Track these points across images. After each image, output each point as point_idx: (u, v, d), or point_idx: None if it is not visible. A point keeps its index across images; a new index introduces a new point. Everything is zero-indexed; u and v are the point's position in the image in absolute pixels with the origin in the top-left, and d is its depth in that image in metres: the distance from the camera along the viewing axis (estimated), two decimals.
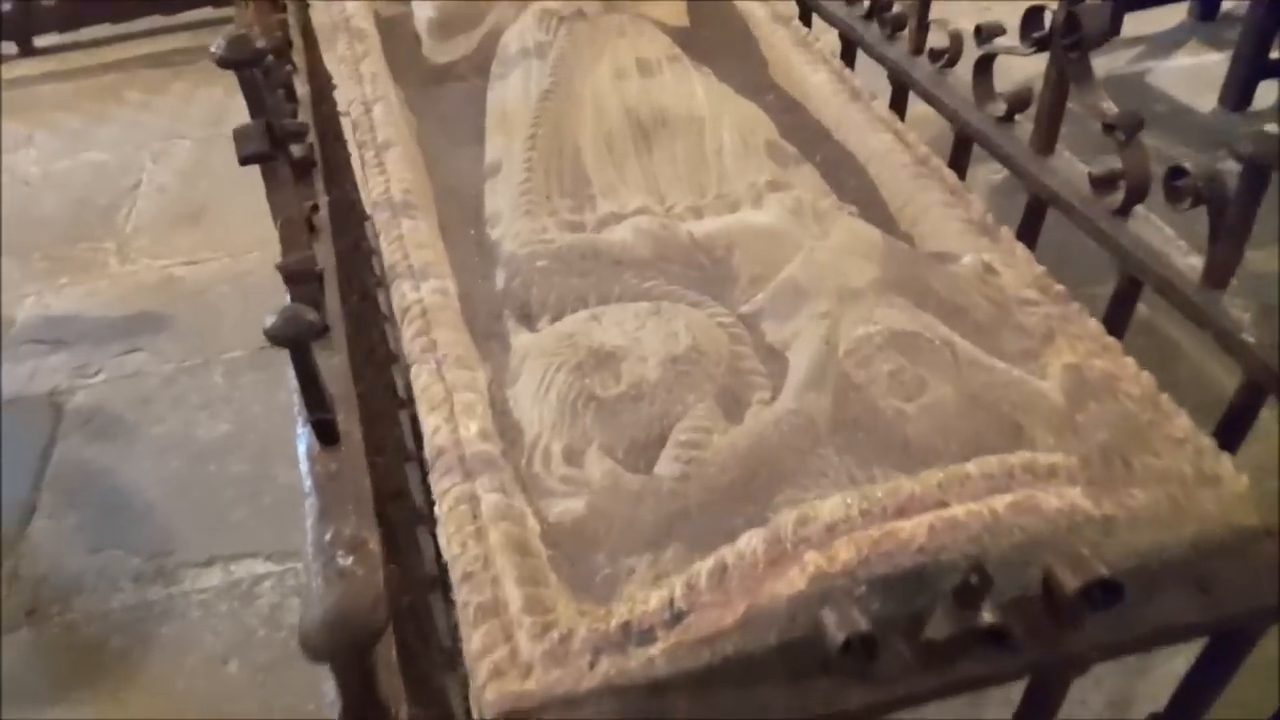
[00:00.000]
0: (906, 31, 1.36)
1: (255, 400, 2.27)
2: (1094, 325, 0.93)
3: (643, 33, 1.39)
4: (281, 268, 0.85)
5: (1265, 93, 3.07)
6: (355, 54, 1.43)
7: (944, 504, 0.66)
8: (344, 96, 1.34)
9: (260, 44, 0.88)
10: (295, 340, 0.74)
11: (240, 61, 0.87)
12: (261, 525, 1.98)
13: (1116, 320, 1.04)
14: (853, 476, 0.77)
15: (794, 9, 1.56)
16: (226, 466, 2.11)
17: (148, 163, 3.22)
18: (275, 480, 2.07)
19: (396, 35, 1.61)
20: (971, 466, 0.70)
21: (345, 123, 1.41)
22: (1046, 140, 1.12)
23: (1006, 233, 1.05)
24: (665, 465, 0.77)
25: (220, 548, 1.92)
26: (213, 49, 0.88)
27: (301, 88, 1.30)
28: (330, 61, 1.56)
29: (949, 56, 1.28)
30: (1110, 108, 1.00)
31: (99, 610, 1.82)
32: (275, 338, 0.73)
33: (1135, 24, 3.44)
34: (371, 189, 1.14)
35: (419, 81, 1.51)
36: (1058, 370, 0.85)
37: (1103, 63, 3.31)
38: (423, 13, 1.53)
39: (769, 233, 0.97)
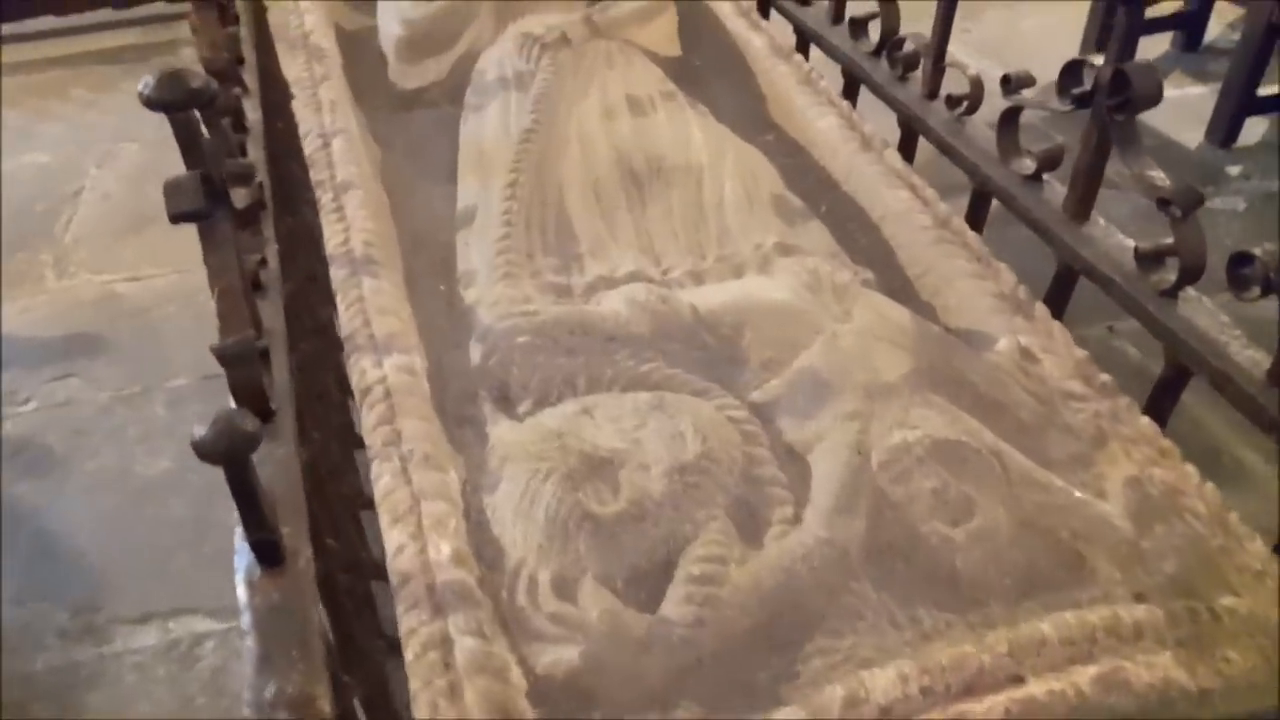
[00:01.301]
0: (920, 73, 1.25)
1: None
2: (1147, 425, 0.83)
3: (633, 64, 1.27)
4: (218, 351, 0.72)
5: (1251, 129, 3.04)
6: (314, 76, 1.29)
7: (1018, 679, 0.55)
8: (302, 126, 1.21)
9: (197, 83, 0.74)
10: (230, 455, 0.61)
11: (172, 104, 0.74)
12: (203, 576, 1.82)
13: (1159, 410, 0.94)
14: (893, 618, 0.66)
15: (795, 41, 1.45)
16: (166, 508, 1.94)
17: (92, 167, 3.02)
18: (219, 525, 1.90)
19: (360, 52, 1.47)
20: (1047, 628, 0.59)
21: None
22: (1081, 205, 1.01)
23: (1042, 310, 0.95)
24: (675, 605, 0.65)
25: (157, 601, 1.76)
26: (141, 88, 0.74)
27: (252, 114, 1.16)
28: (289, 76, 1.43)
29: (969, 104, 1.18)
30: (1160, 178, 0.90)
31: (20, 672, 1.66)
32: (207, 454, 0.60)
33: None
34: (329, 238, 1.00)
35: (385, 106, 1.38)
36: (1118, 486, 0.74)
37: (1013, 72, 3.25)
38: (390, 31, 1.40)
39: (783, 311, 0.85)
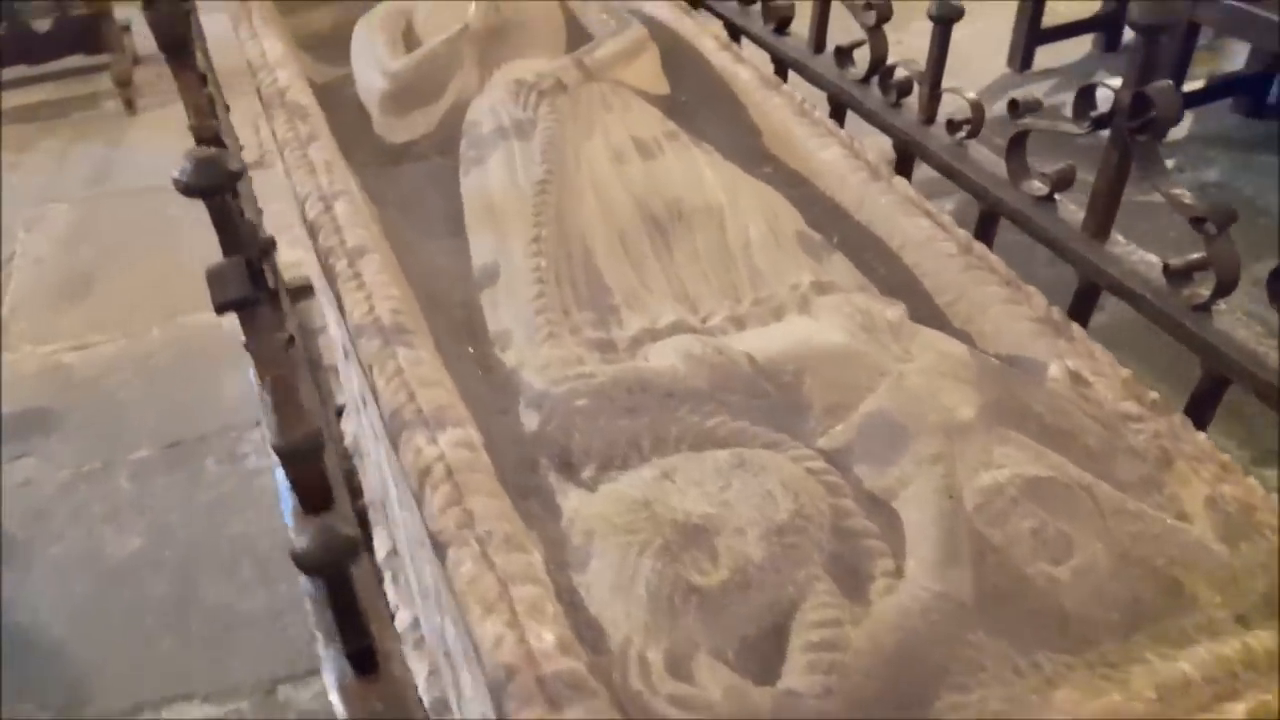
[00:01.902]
0: (915, 99, 1.27)
1: (171, 507, 2.01)
2: (1204, 441, 0.84)
3: (630, 105, 1.26)
4: (283, 450, 0.68)
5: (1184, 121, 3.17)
6: (300, 135, 1.24)
7: None
8: (297, 189, 1.16)
9: (235, 165, 0.70)
10: (334, 566, 0.57)
11: (210, 189, 0.70)
12: (193, 658, 1.73)
13: (1198, 423, 0.95)
14: (1015, 666, 0.65)
15: (772, 70, 1.45)
16: (144, 589, 1.85)
17: (20, 231, 2.89)
18: (203, 601, 1.83)
19: (337, 106, 1.43)
20: (1187, 668, 0.58)
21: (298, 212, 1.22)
22: (1102, 225, 1.03)
23: (1079, 331, 0.96)
24: (800, 676, 0.63)
25: (146, 690, 1.68)
26: (177, 174, 0.70)
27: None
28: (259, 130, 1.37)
29: (972, 127, 1.19)
30: (1186, 195, 0.92)
31: None
32: (311, 567, 0.56)
33: (1045, 56, 3.51)
34: (351, 310, 0.96)
35: (372, 162, 1.34)
36: (1199, 507, 0.75)
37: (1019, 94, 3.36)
38: (373, 84, 1.36)
39: (842, 354, 0.85)
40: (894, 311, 0.91)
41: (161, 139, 3.25)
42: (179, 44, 1.13)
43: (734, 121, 1.38)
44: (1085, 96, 0.99)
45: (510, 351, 0.94)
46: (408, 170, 1.32)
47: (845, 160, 1.20)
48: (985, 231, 1.18)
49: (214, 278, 0.72)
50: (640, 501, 0.73)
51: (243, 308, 0.73)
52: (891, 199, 1.13)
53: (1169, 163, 3.31)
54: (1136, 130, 0.94)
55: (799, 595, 0.68)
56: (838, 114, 1.42)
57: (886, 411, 0.80)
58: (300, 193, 1.14)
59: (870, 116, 1.34)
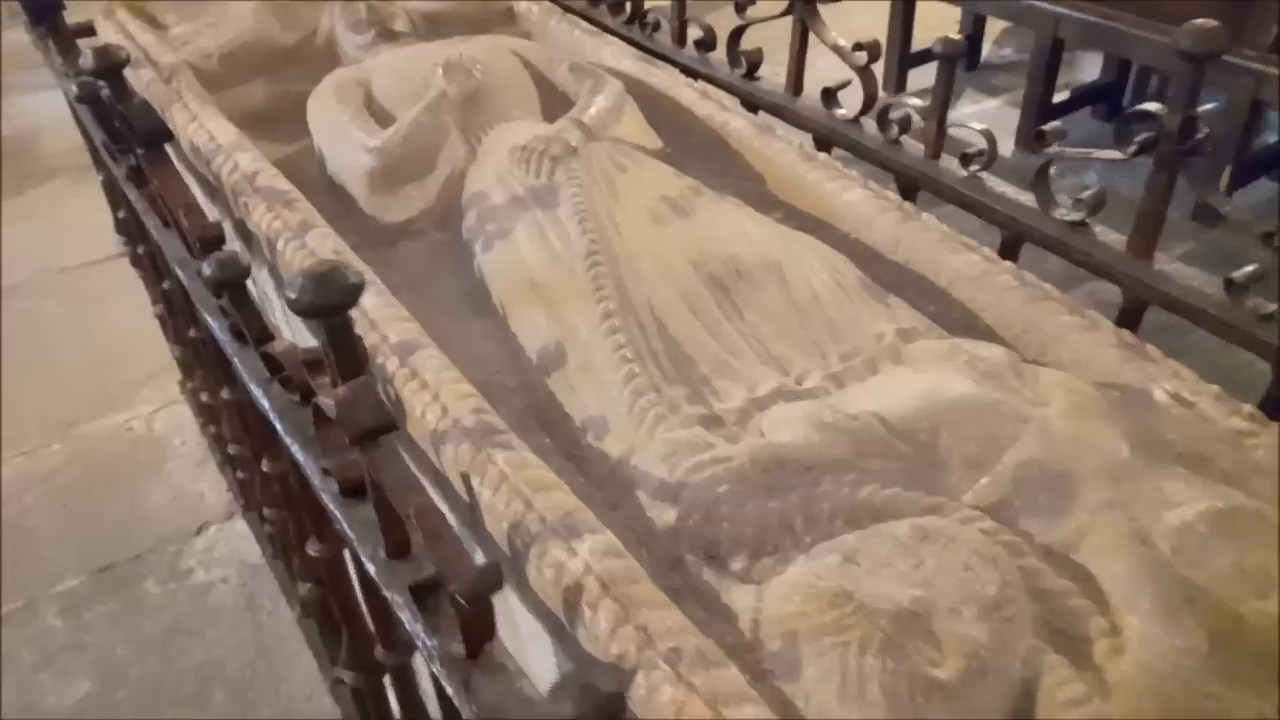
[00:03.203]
0: (924, 135, 1.27)
1: (115, 641, 1.80)
2: None
3: (641, 164, 1.21)
4: (461, 596, 0.59)
5: None
6: (289, 225, 1.13)
7: None
8: None
9: (354, 278, 0.62)
10: None
11: (328, 309, 0.61)
12: None
13: None
14: (1261, 712, 0.63)
15: (769, 118, 1.44)
16: None
17: None
18: None
19: (303, 187, 1.32)
20: None
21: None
22: (1146, 245, 1.06)
23: (1157, 351, 0.97)
24: None
25: None
26: (290, 293, 0.60)
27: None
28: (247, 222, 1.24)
29: (987, 159, 1.21)
30: (1242, 213, 0.95)
31: None
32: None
33: (914, 78, 3.67)
34: (420, 413, 0.87)
35: (365, 245, 1.23)
36: None
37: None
38: (355, 163, 1.26)
39: (975, 405, 0.82)
40: (1000, 353, 0.89)
41: (10, 234, 2.98)
42: (159, 136, 1.01)
43: (731, 169, 1.36)
44: (1125, 123, 1.02)
45: (610, 440, 0.87)
46: (407, 250, 1.23)
47: (871, 201, 1.19)
48: (1008, 258, 1.19)
49: (346, 407, 0.62)
50: (840, 593, 0.68)
51: (383, 434, 0.63)
52: (932, 236, 1.12)
53: (1052, 171, 3.50)
54: (1187, 152, 0.97)
55: (1031, 672, 0.65)
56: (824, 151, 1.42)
57: (1039, 461, 0.78)
58: None
59: (868, 155, 1.34)
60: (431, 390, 0.89)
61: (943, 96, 1.23)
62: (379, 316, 0.98)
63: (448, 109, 1.30)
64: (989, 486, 0.79)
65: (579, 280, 1.01)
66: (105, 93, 1.02)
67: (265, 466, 1.21)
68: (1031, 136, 3.44)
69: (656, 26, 1.70)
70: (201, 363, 1.55)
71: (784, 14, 1.43)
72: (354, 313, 0.99)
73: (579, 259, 1.02)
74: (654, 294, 0.99)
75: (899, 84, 3.68)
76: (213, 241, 0.97)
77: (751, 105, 1.52)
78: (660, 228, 1.08)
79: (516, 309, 1.04)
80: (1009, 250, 1.20)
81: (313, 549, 1.10)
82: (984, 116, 3.56)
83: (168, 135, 1.00)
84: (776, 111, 1.48)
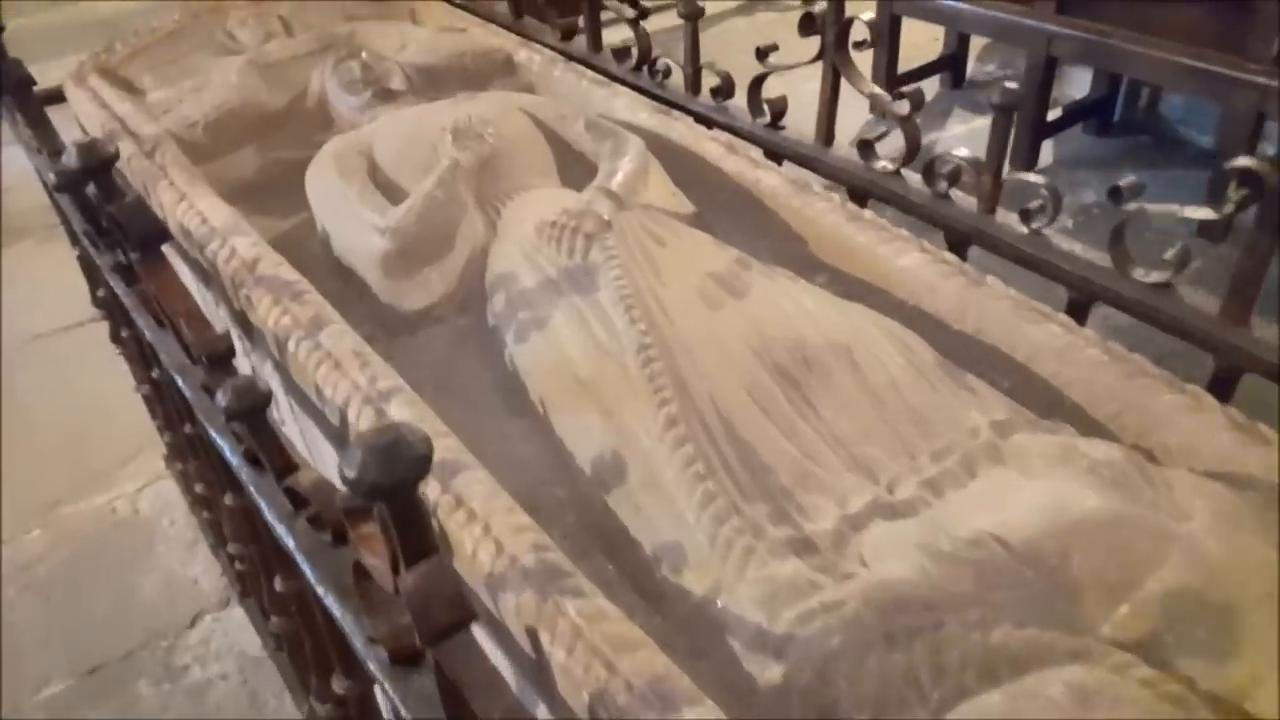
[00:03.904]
0: (977, 189, 1.19)
1: None
2: None
3: (679, 235, 1.11)
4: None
5: (1043, 151, 3.32)
6: (300, 321, 1.02)
7: None
8: (326, 391, 0.94)
9: (422, 448, 0.51)
10: None
11: (395, 489, 0.51)
12: None
13: None
14: None
15: (807, 175, 1.35)
16: None
17: None
18: None
19: (305, 270, 1.21)
20: None
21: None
22: (1245, 308, 0.97)
23: (1270, 432, 0.88)
24: None
25: None
26: (349, 473, 0.50)
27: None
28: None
29: (1051, 214, 1.12)
30: None
31: None
32: None
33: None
34: (477, 557, 0.76)
35: (382, 334, 1.13)
36: None
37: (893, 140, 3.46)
38: (367, 246, 1.15)
39: (1108, 523, 0.73)
40: (1120, 454, 0.80)
41: None
42: (155, 238, 0.90)
43: (764, 230, 1.27)
44: (1219, 180, 0.94)
45: (690, 574, 0.77)
46: (427, 338, 1.12)
47: (932, 266, 1.10)
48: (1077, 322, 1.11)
49: (418, 601, 0.52)
50: None
51: (463, 629, 0.53)
52: (1006, 305, 1.03)
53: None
54: None
55: None
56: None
57: (1193, 588, 0.68)
58: (339, 398, 0.93)
59: (914, 209, 1.25)
60: (481, 522, 0.79)
61: (999, 149, 1.15)
62: None
63: (462, 179, 1.20)
64: (1133, 618, 0.70)
65: (632, 377, 0.91)
66: (91, 190, 0.91)
67: (278, 585, 1.09)
68: (1025, 155, 3.41)
69: (667, 73, 1.60)
70: (198, 457, 1.43)
71: (814, 60, 1.34)
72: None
73: (630, 353, 0.92)
74: (717, 390, 0.89)
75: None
76: (222, 357, 0.86)
77: (775, 155, 1.44)
78: (714, 311, 0.98)
79: (562, 410, 0.94)
80: (1077, 313, 1.12)
81: (339, 685, 0.98)
82: (975, 136, 3.51)
83: (166, 235, 0.89)
84: (805, 163, 1.39)
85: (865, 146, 1.31)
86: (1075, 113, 3.42)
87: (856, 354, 0.94)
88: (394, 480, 0.51)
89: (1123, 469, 0.77)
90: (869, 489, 0.82)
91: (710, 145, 1.36)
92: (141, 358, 1.53)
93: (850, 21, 1.27)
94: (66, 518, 2.17)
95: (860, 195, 1.33)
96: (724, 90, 1.51)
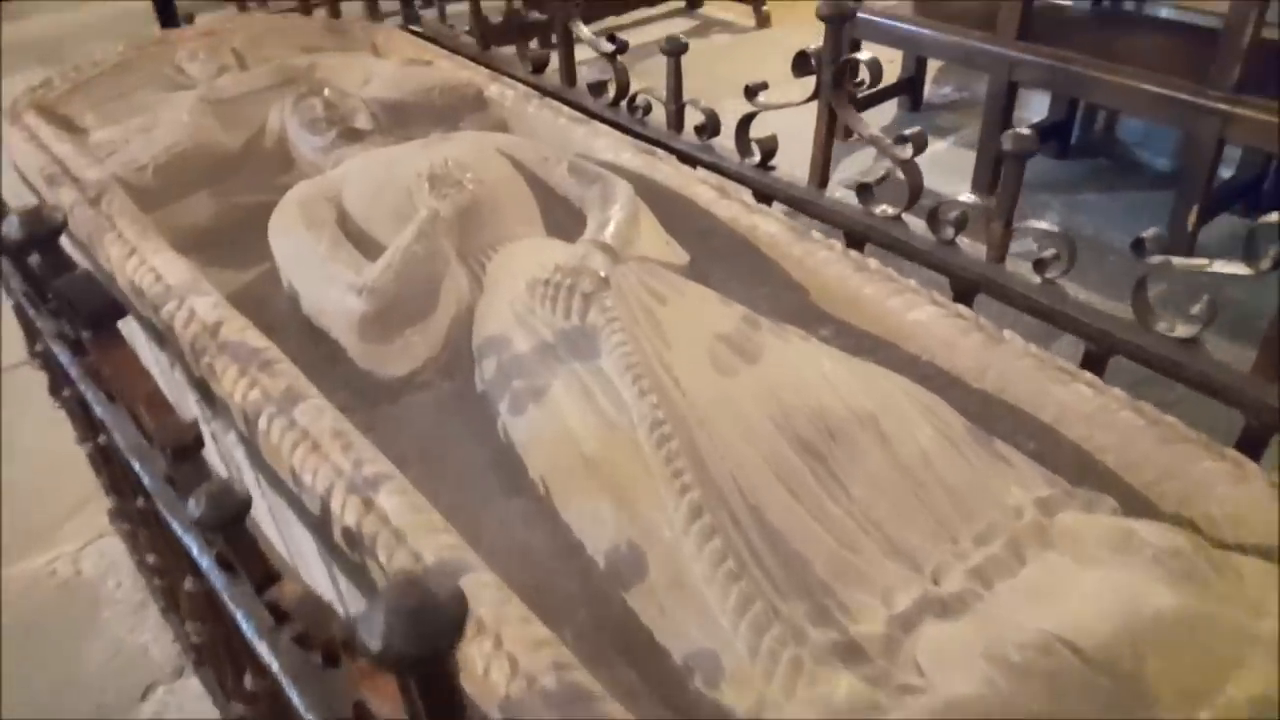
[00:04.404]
0: (987, 237, 1.14)
1: None
2: None
3: (681, 291, 1.04)
4: None
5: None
6: (271, 395, 0.93)
7: None
8: (306, 478, 0.85)
9: (456, 610, 0.43)
10: None
11: (431, 660, 0.43)
12: None
13: None
14: None
15: (804, 220, 1.29)
16: None
17: None
18: None
19: (278, 324, 1.11)
20: None
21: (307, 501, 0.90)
22: (1277, 365, 0.93)
23: None
24: None
25: None
26: (371, 641, 0.42)
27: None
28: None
29: (1068, 264, 1.08)
30: None
31: None
32: None
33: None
34: (490, 677, 0.68)
35: (362, 403, 1.04)
36: None
37: (857, 160, 3.44)
38: (342, 306, 1.06)
39: (1184, 623, 0.67)
40: (1183, 540, 0.74)
41: None
42: (109, 316, 0.80)
43: (763, 279, 1.20)
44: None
45: (729, 689, 0.69)
46: (410, 407, 1.03)
47: (947, 321, 1.04)
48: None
49: None
50: None
51: None
52: (1030, 363, 0.98)
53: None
54: None
55: None
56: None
57: (1272, 698, 0.63)
58: (319, 486, 0.84)
59: (917, 255, 1.20)
60: (492, 634, 0.70)
61: (1011, 195, 1.10)
62: (405, 525, 0.79)
63: (443, 230, 1.12)
64: None
65: (646, 456, 0.83)
66: (35, 261, 0.81)
67: (249, 683, 0.99)
68: (986, 181, 3.42)
69: (648, 110, 1.54)
70: (150, 528, 1.32)
71: (808, 100, 1.28)
72: (373, 520, 0.80)
73: (643, 429, 0.85)
74: (739, 469, 0.82)
75: (845, 131, 3.62)
76: (188, 450, 0.76)
77: (764, 196, 1.38)
78: (727, 378, 0.91)
79: (568, 492, 0.86)
80: (1093, 365, 1.07)
81: None
82: (937, 160, 3.51)
83: (120, 312, 0.80)
84: (798, 205, 1.33)
85: (864, 190, 1.25)
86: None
87: (883, 424, 0.88)
88: (423, 652, 0.42)
89: (1190, 559, 0.71)
90: (914, 581, 0.76)
91: (700, 188, 1.29)
92: (86, 420, 1.41)
93: (849, 62, 1.21)
94: (2, 583, 2.02)
95: (858, 240, 1.27)
96: (709, 128, 1.45)
